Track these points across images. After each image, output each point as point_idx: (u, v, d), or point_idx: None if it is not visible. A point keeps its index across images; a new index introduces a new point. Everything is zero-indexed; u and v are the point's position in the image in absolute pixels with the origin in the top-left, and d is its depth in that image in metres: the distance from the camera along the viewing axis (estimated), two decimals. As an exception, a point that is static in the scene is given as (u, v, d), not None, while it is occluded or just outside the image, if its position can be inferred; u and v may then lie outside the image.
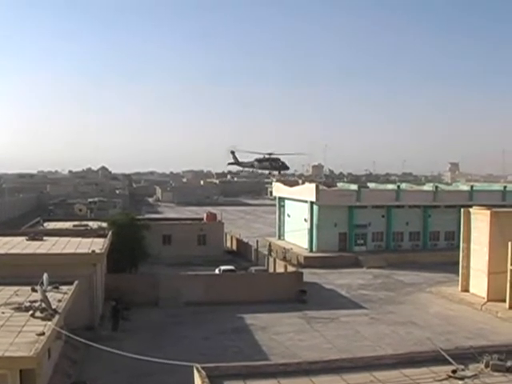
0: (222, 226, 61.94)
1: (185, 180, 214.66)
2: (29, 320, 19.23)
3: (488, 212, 40.88)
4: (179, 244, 56.63)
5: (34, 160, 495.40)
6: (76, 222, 51.93)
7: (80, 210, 77.45)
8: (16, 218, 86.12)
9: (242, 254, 59.84)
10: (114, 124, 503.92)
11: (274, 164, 78.33)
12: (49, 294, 21.34)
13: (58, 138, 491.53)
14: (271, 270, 47.49)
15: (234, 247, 63.68)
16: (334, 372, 15.09)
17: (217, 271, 45.08)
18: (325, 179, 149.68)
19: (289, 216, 67.11)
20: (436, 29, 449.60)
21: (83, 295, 27.96)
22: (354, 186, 68.30)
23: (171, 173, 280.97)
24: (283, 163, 78.80)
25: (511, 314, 36.16)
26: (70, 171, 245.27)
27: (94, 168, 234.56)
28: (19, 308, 20.59)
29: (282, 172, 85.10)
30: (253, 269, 47.06)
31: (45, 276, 22.66)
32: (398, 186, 69.81)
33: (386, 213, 61.23)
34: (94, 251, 32.33)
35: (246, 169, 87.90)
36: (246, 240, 62.06)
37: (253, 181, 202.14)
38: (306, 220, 60.38)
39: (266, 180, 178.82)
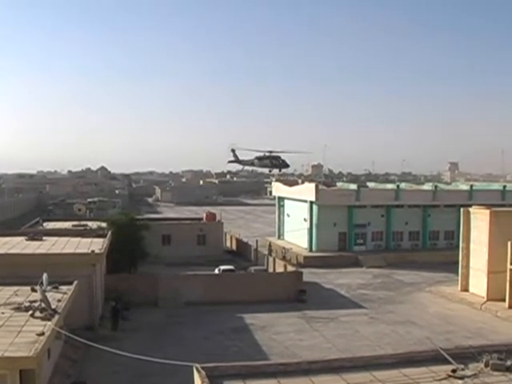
0: (222, 226, 61.88)
1: (184, 180, 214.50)
2: (28, 320, 19.22)
3: (487, 211, 40.88)
4: (179, 244, 56.60)
5: (34, 160, 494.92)
6: (75, 222, 51.88)
7: (79, 210, 77.26)
8: (15, 218, 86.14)
9: (241, 253, 59.81)
10: (114, 124, 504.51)
11: (274, 162, 78.06)
12: (48, 294, 21.33)
13: (57, 138, 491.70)
14: (271, 269, 47.49)
15: (234, 247, 63.66)
16: (333, 372, 15.07)
17: (216, 271, 45.06)
18: (324, 179, 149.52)
19: (288, 216, 67.11)
20: (436, 29, 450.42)
21: (83, 295, 27.94)
22: (353, 186, 68.37)
23: (170, 173, 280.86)
24: (284, 161, 78.57)
25: (511, 314, 36.17)
26: (70, 171, 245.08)
27: (94, 168, 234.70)
28: (19, 308, 20.58)
29: (282, 170, 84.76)
30: (252, 268, 47.07)
31: (44, 276, 22.65)
32: (398, 186, 69.81)
33: (385, 212, 61.25)
34: (93, 251, 32.30)
35: (247, 167, 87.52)
36: (245, 240, 62.05)
37: (252, 180, 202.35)
38: (305, 220, 60.38)
39: (266, 180, 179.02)
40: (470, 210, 43.29)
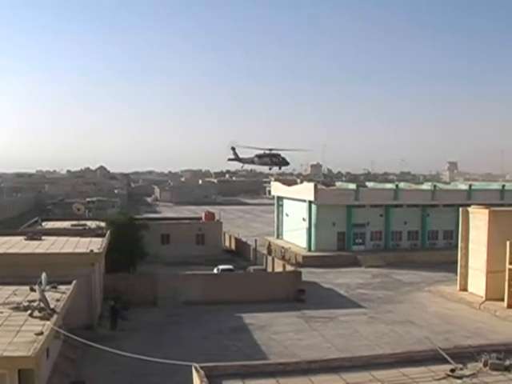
0: (221, 226, 61.87)
1: (183, 179, 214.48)
2: (27, 320, 19.18)
3: (486, 211, 40.89)
4: (177, 243, 56.59)
5: (33, 160, 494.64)
6: (74, 222, 51.82)
7: (78, 210, 77.18)
8: (14, 218, 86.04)
9: (240, 253, 59.79)
10: (114, 124, 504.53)
11: (274, 160, 77.98)
12: (47, 294, 21.31)
13: (57, 138, 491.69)
14: (270, 269, 47.50)
15: (233, 246, 63.64)
16: (332, 371, 15.08)
17: (215, 270, 45.05)
18: (323, 178, 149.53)
19: (287, 215, 67.12)
20: (436, 29, 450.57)
21: (81, 295, 27.92)
22: (352, 186, 68.44)
23: (170, 172, 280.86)
24: (283, 159, 78.49)
25: (509, 313, 36.18)
26: (69, 171, 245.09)
27: (93, 168, 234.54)
28: (17, 308, 20.54)
29: (282, 168, 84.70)
30: (251, 268, 47.08)
31: (43, 275, 22.62)
32: (397, 186, 69.80)
33: (384, 212, 61.28)
34: (92, 251, 32.28)
35: (247, 165, 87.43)
36: (244, 239, 62.06)
37: (251, 180, 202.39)
38: (304, 219, 60.38)
39: (265, 179, 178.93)
40: (469, 209, 43.30)
